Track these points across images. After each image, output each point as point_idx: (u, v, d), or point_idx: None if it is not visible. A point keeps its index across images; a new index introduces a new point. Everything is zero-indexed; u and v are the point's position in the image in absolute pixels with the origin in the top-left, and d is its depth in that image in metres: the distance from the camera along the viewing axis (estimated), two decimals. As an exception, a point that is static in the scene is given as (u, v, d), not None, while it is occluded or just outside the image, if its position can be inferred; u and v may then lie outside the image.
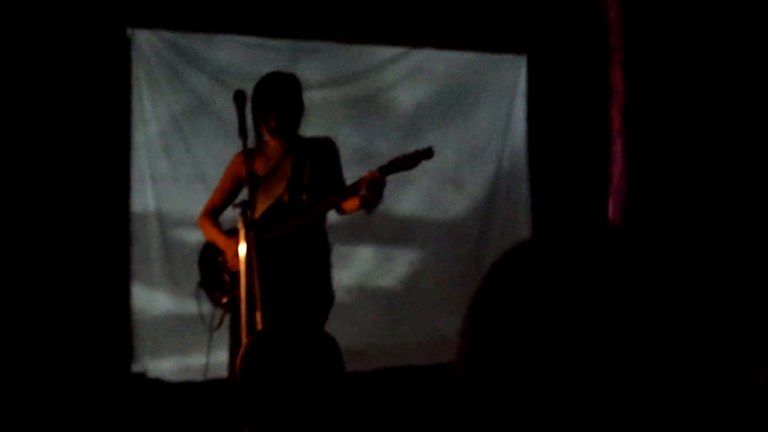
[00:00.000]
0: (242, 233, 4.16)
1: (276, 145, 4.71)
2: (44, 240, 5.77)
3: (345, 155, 4.89)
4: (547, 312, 0.81)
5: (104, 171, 5.96)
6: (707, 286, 0.82)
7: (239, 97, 4.31)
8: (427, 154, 4.50)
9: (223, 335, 4.64)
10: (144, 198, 6.05)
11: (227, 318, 4.65)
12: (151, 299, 6.00)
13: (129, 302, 5.96)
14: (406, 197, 6.38)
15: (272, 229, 4.61)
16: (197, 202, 5.55)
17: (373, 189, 4.45)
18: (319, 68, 6.27)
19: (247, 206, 4.17)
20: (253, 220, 4.16)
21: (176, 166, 6.12)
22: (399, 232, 6.51)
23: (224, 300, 4.62)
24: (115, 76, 5.96)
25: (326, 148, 4.77)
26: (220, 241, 4.72)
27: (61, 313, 5.77)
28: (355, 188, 4.52)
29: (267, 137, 4.71)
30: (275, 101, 4.61)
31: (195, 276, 4.79)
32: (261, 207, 4.67)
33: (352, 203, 4.56)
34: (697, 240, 5.47)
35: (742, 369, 0.80)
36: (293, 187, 4.68)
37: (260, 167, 4.69)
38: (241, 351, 2.51)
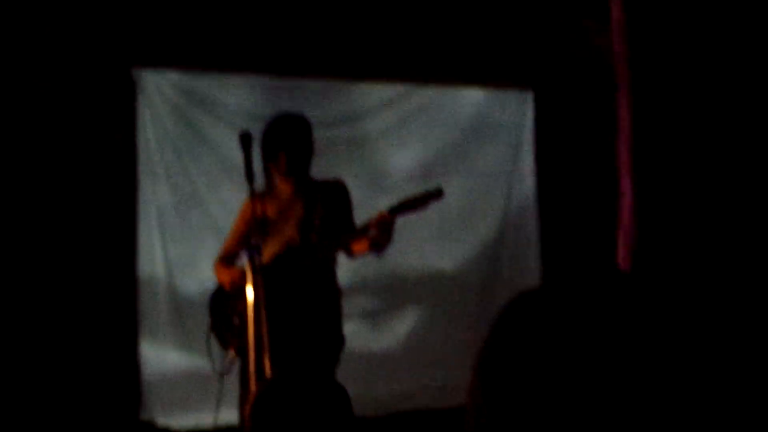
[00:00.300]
0: (250, 277, 4.19)
1: (286, 188, 4.73)
2: (50, 292, 5.73)
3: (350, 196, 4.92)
4: (555, 365, 0.81)
5: (110, 218, 5.95)
6: (721, 337, 0.82)
7: (245, 139, 4.35)
8: (437, 194, 4.49)
9: (234, 382, 4.65)
10: (151, 246, 6.04)
11: (237, 363, 4.69)
12: (160, 353, 5.96)
13: (137, 354, 5.93)
14: (411, 238, 6.37)
15: (282, 272, 4.66)
16: (206, 248, 5.60)
17: (382, 230, 4.45)
18: (325, 108, 6.29)
19: (254, 250, 4.20)
20: (261, 264, 4.20)
21: (184, 211, 6.12)
22: (405, 275, 6.50)
23: (234, 344, 4.64)
24: (120, 117, 5.97)
25: (337, 190, 4.79)
26: (223, 273, 4.74)
27: (69, 367, 5.73)
28: (364, 230, 4.54)
29: (277, 179, 4.74)
30: (284, 143, 4.64)
31: (204, 327, 4.79)
32: (271, 249, 4.67)
33: (361, 245, 4.54)
34: (710, 283, 5.46)
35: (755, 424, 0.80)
36: (304, 230, 4.69)
37: (271, 210, 4.69)
38: (251, 399, 2.57)
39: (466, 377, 0.88)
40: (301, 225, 4.70)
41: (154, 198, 6.10)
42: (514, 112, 6.80)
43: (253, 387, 4.01)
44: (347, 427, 2.50)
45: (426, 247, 6.54)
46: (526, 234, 6.80)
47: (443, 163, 6.61)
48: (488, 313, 6.39)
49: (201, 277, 5.61)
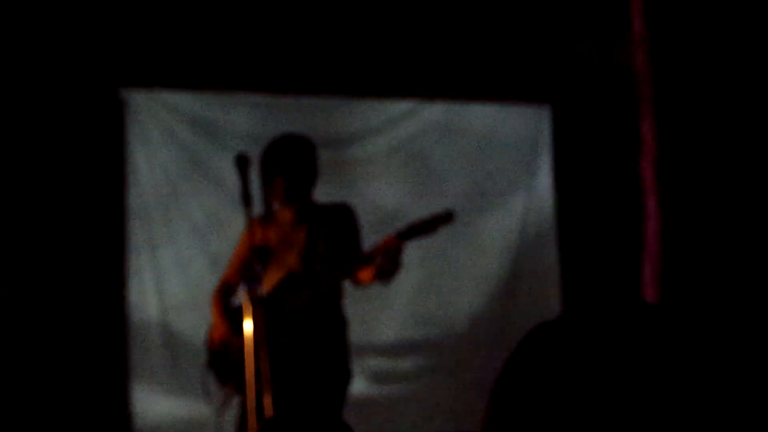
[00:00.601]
0: (248, 310, 4.14)
1: (287, 214, 4.70)
2: (33, 336, 5.64)
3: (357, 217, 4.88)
4: (573, 400, 0.81)
5: (97, 254, 5.87)
6: (755, 374, 0.81)
7: (241, 162, 4.31)
8: (447, 218, 4.50)
9: (231, 421, 4.60)
10: (143, 283, 5.97)
11: (236, 401, 4.61)
12: (153, 399, 5.90)
13: (128, 401, 5.86)
14: (419, 261, 6.36)
15: (282, 304, 4.59)
16: (203, 284, 5.52)
17: (389, 257, 4.44)
18: (328, 126, 6.26)
19: (253, 281, 4.16)
20: (260, 296, 4.15)
21: (179, 244, 6.06)
22: (415, 301, 6.46)
23: (233, 381, 4.59)
24: (106, 143, 5.95)
25: (342, 216, 4.76)
26: (214, 318, 4.71)
27: (55, 416, 5.65)
28: (370, 257, 4.49)
29: (277, 205, 4.69)
30: (284, 167, 4.61)
31: (199, 368, 4.77)
32: (273, 278, 4.64)
33: (367, 274, 4.53)
34: (742, 313, 5.40)
35: None
36: (307, 259, 4.66)
37: (272, 238, 4.66)
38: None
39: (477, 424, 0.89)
40: (304, 254, 4.66)
41: (146, 231, 6.03)
42: (531, 128, 6.76)
43: (252, 427, 3.99)
44: None
45: (432, 273, 6.46)
46: (543, 263, 6.73)
47: (452, 185, 6.57)
48: (504, 344, 6.36)
49: (198, 315, 5.51)
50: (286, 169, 4.61)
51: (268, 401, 4.06)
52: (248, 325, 4.13)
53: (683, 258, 5.49)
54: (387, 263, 4.46)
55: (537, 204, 6.75)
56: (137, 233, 6.01)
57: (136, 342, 5.93)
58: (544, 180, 6.77)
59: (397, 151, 6.51)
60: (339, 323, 4.72)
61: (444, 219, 4.51)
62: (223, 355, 4.68)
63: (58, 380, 5.73)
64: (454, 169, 6.59)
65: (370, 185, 6.40)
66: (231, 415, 4.65)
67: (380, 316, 6.35)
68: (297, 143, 4.70)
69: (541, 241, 6.74)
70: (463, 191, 6.55)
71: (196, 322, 5.54)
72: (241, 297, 4.40)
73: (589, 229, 6.64)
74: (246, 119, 6.17)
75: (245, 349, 4.18)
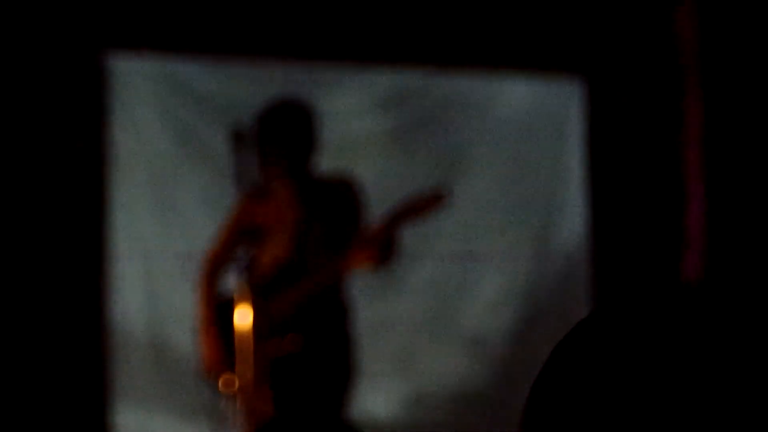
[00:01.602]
0: (240, 299, 4.16)
1: (283, 190, 4.69)
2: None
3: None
4: (618, 399, 0.81)
5: (73, 247, 5.79)
6: None
7: (236, 138, 4.33)
8: (439, 197, 4.51)
9: None
10: (127, 282, 5.94)
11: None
12: (139, 420, 5.88)
13: (108, 419, 5.84)
14: (432, 252, 6.36)
15: (272, 299, 4.57)
16: (194, 280, 5.50)
17: (380, 246, 4.45)
18: (335, 98, 6.25)
19: (244, 266, 4.18)
20: (254, 283, 4.16)
21: (166, 231, 6.05)
22: (426, 295, 6.46)
23: (231, 384, 4.55)
24: (85, 116, 5.90)
25: (343, 193, 4.76)
26: (208, 329, 4.63)
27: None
28: (362, 244, 4.50)
29: (272, 180, 4.69)
30: (281, 137, 4.61)
31: (191, 384, 4.76)
32: (263, 262, 4.64)
33: (359, 261, 4.52)
34: None
35: None
36: (300, 243, 4.66)
37: (263, 216, 4.67)
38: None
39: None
40: (296, 239, 4.63)
41: (130, 219, 5.99)
42: (559, 107, 6.74)
43: (249, 428, 4.01)
44: None
45: (448, 275, 6.47)
46: (572, 256, 6.74)
47: (470, 170, 6.56)
48: (527, 348, 6.39)
49: (192, 319, 5.48)
50: (282, 141, 4.61)
51: (266, 400, 4.08)
52: (241, 317, 4.15)
53: (728, 250, 5.49)
54: (381, 252, 4.46)
55: (565, 189, 6.75)
56: (120, 224, 5.96)
57: (119, 353, 5.88)
58: (573, 163, 6.75)
59: (405, 130, 6.51)
60: (339, 312, 4.72)
61: (435, 199, 4.55)
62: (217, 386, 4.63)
63: (29, 397, 5.63)
64: (470, 153, 6.58)
65: (374, 166, 6.41)
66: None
67: None
68: (295, 111, 4.70)
69: (570, 231, 6.74)
70: (481, 176, 6.55)
71: (191, 328, 5.52)
72: (231, 282, 4.43)
73: (624, 218, 6.63)
74: (241, 90, 6.13)
75: (239, 344, 4.19)
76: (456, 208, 5.84)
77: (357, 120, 6.36)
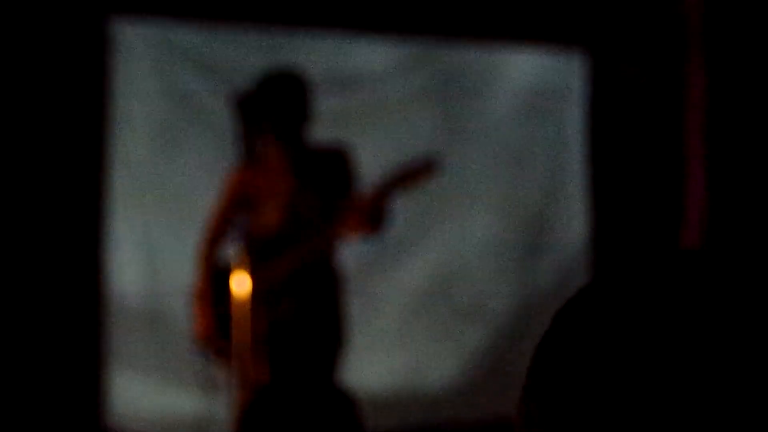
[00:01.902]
0: (237, 268, 4.19)
1: (276, 158, 4.70)
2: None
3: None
4: (624, 363, 0.80)
5: (72, 212, 5.82)
6: None
7: (238, 102, 4.34)
8: (430, 166, 4.52)
9: None
10: (126, 249, 5.96)
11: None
12: (134, 386, 5.91)
13: (102, 389, 5.87)
14: (425, 230, 6.38)
15: (266, 267, 4.60)
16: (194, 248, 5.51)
17: (371, 215, 4.47)
18: (337, 65, 6.27)
19: (243, 233, 4.21)
20: (250, 250, 4.20)
21: (166, 198, 6.06)
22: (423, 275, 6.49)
23: (223, 353, 4.59)
24: (88, 81, 5.90)
25: (336, 162, 4.77)
26: (201, 301, 4.67)
27: (19, 408, 5.66)
28: (353, 212, 4.52)
29: (265, 148, 4.70)
30: (274, 107, 4.62)
31: (188, 353, 4.79)
32: (257, 230, 4.67)
33: (351, 229, 4.55)
34: None
35: None
36: (293, 211, 4.69)
37: (256, 184, 4.69)
38: (240, 412, 2.51)
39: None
40: (290, 206, 4.67)
41: (131, 188, 6.00)
42: (560, 80, 6.74)
43: (244, 395, 4.03)
44: None
45: (440, 242, 6.48)
46: (570, 232, 6.76)
47: (470, 140, 6.56)
48: (522, 321, 6.41)
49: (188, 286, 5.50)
50: (277, 109, 4.62)
51: (261, 368, 4.13)
52: (240, 283, 4.18)
53: (727, 230, 5.49)
54: (371, 221, 4.49)
55: (565, 164, 6.76)
56: (121, 191, 5.98)
57: (117, 322, 5.91)
58: (573, 138, 6.76)
59: (412, 99, 6.50)
60: (331, 281, 4.74)
61: (425, 167, 4.54)
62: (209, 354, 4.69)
63: (26, 363, 5.66)
64: (470, 121, 6.58)
65: (381, 136, 6.39)
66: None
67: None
68: (290, 80, 4.69)
69: (569, 207, 6.76)
70: (479, 151, 6.55)
71: (187, 299, 5.54)
72: (230, 252, 4.46)
73: (624, 194, 6.64)
74: (250, 57, 6.12)
75: (235, 312, 4.22)
76: (454, 178, 5.86)
77: (355, 90, 6.36)
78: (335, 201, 4.65)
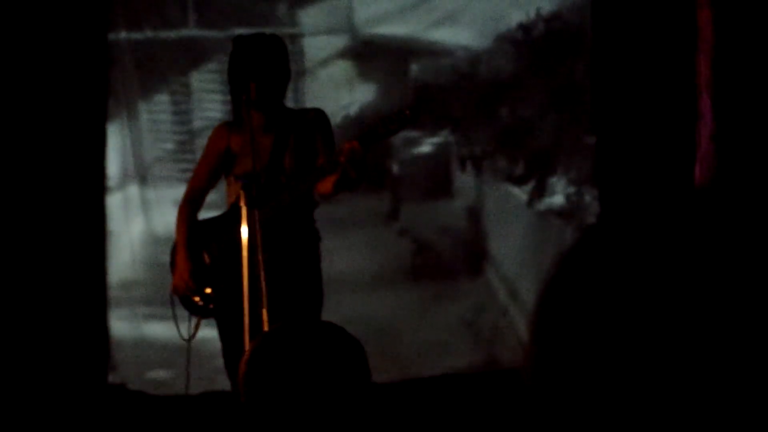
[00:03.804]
0: (245, 213, 4.25)
1: (255, 119, 4.78)
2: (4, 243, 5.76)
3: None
4: (628, 302, 0.81)
5: (74, 151, 5.92)
6: None
7: (240, 43, 4.44)
8: (410, 115, 4.58)
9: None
10: (125, 187, 6.12)
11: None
12: (133, 306, 6.07)
13: (106, 308, 5.98)
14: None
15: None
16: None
17: (353, 163, 4.50)
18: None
19: (249, 181, 4.29)
20: (257, 197, 4.26)
21: (161, 139, 6.22)
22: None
23: (203, 303, 4.72)
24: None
25: (314, 123, 4.87)
26: (179, 250, 4.84)
27: (28, 324, 5.79)
28: (335, 163, 4.58)
29: (245, 109, 4.78)
30: (254, 69, 4.69)
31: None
32: (234, 189, 4.77)
33: (326, 184, 4.63)
34: None
35: None
36: (271, 170, 4.78)
37: (236, 143, 4.81)
38: (245, 356, 2.51)
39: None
40: (269, 164, 4.78)
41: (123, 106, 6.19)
42: (569, 15, 6.68)
43: (245, 342, 4.08)
44: (363, 387, 2.42)
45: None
46: (577, 169, 6.76)
47: (468, 77, 6.60)
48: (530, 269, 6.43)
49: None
50: (259, 72, 4.68)
51: (265, 315, 4.21)
52: (244, 231, 4.25)
53: (738, 163, 5.48)
54: (351, 170, 4.54)
55: (570, 105, 6.73)
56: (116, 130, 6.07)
57: (115, 249, 6.09)
58: (581, 73, 6.72)
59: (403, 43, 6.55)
60: (313, 238, 4.89)
61: (406, 117, 4.59)
62: (197, 273, 4.86)
63: (31, 288, 5.80)
64: (467, 63, 6.59)
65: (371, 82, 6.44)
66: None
67: None
68: (270, 43, 4.78)
69: (576, 147, 6.74)
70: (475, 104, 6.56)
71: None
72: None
73: (632, 134, 6.61)
74: None
75: (242, 257, 4.30)
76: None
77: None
78: (312, 160, 4.77)
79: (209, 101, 6.30)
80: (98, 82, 6.03)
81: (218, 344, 4.92)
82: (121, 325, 6.09)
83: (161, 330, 5.85)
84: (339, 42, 6.49)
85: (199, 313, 4.81)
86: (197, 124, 6.29)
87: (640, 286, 0.81)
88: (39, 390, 5.73)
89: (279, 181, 4.76)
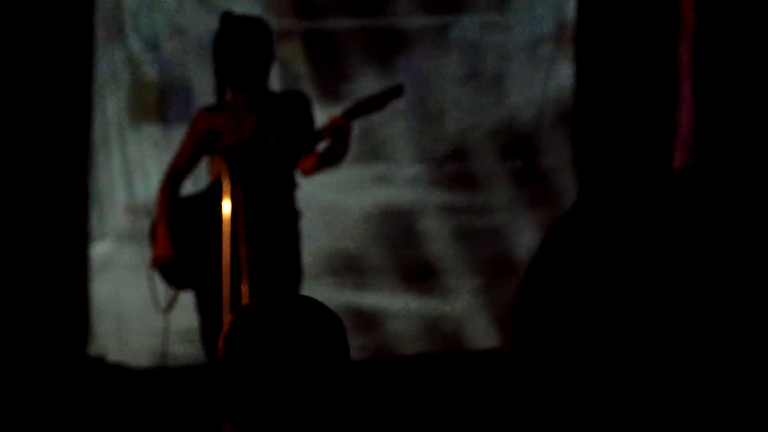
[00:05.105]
0: (227, 187, 4.26)
1: (239, 100, 4.85)
2: None
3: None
4: (611, 284, 0.80)
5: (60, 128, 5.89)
6: None
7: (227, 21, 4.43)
8: (397, 91, 4.62)
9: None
10: (108, 159, 6.07)
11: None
12: (113, 278, 6.08)
13: (85, 279, 5.97)
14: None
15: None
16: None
17: (337, 139, 4.55)
18: None
19: (233, 155, 4.30)
20: (240, 172, 4.27)
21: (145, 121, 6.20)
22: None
23: (176, 286, 4.75)
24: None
25: (296, 105, 4.91)
26: (160, 223, 4.88)
27: (6, 294, 5.76)
28: (319, 135, 4.61)
29: (229, 91, 4.89)
30: (240, 51, 4.75)
31: None
32: (216, 166, 4.83)
33: (311, 159, 4.65)
34: None
35: None
36: (254, 146, 4.83)
37: (220, 123, 4.84)
38: (225, 329, 2.50)
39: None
40: (251, 145, 4.81)
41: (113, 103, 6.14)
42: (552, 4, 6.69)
43: (225, 316, 4.09)
44: (343, 362, 2.41)
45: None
46: (557, 155, 6.77)
47: (460, 65, 6.58)
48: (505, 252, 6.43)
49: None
50: (241, 54, 4.74)
51: (245, 290, 4.21)
52: (227, 205, 4.25)
53: (718, 146, 5.48)
54: (336, 145, 4.61)
55: (554, 89, 6.72)
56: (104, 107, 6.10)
57: (97, 215, 6.12)
58: (563, 62, 6.71)
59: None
60: (293, 216, 4.93)
61: (393, 93, 4.65)
62: (166, 268, 4.92)
63: (10, 256, 5.77)
64: (461, 51, 6.57)
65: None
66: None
67: None
68: (254, 26, 4.82)
69: (557, 133, 6.73)
70: (460, 82, 6.56)
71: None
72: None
73: (613, 119, 6.61)
74: None
75: (223, 231, 4.31)
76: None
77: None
78: (295, 140, 4.71)
79: None
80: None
81: (195, 318, 4.93)
82: (101, 295, 6.09)
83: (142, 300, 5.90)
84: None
85: (177, 286, 4.83)
86: None
87: (617, 272, 0.80)
88: (17, 362, 5.71)
89: (262, 156, 4.77)
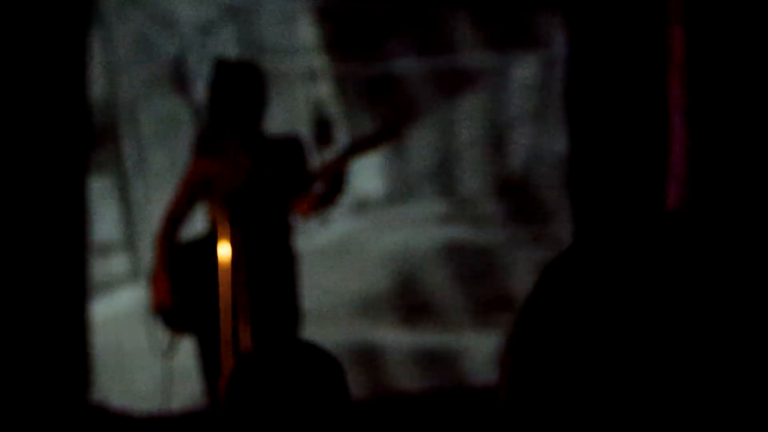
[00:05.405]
0: (225, 231, 4.26)
1: (234, 144, 4.85)
2: None
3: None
4: (607, 325, 0.80)
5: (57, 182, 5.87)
6: None
7: (222, 69, 4.48)
8: (393, 132, 4.63)
9: None
10: (107, 205, 6.08)
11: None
12: (115, 320, 6.01)
13: (85, 321, 5.95)
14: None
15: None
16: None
17: (333, 179, 4.55)
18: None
19: (232, 200, 4.31)
20: (241, 216, 4.29)
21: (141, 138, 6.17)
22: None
23: (176, 329, 4.75)
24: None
25: (290, 148, 4.93)
26: (159, 269, 4.87)
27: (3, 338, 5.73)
28: (313, 178, 4.62)
29: (224, 137, 4.87)
30: (233, 98, 4.78)
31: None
32: (214, 210, 4.84)
33: (306, 203, 4.66)
34: None
35: None
36: (250, 190, 4.83)
37: (215, 168, 4.87)
38: (226, 376, 2.50)
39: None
40: (248, 178, 4.83)
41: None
42: (539, 36, 6.69)
43: (226, 361, 4.08)
44: (344, 407, 2.41)
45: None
46: (549, 189, 6.73)
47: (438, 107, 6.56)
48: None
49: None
50: (235, 100, 4.77)
51: (247, 334, 4.20)
52: (224, 249, 4.25)
53: (711, 179, 5.48)
54: (331, 186, 4.63)
55: (544, 122, 6.72)
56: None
57: (98, 260, 6.05)
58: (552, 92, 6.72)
59: None
60: (291, 258, 4.94)
61: (389, 134, 4.68)
62: (166, 313, 4.92)
63: (7, 298, 5.74)
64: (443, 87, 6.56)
65: None
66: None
67: None
68: (247, 72, 4.87)
69: (547, 168, 6.74)
70: (454, 119, 6.55)
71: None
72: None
73: (605, 153, 6.60)
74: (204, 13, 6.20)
75: (221, 276, 4.30)
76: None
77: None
78: (290, 182, 4.75)
79: None
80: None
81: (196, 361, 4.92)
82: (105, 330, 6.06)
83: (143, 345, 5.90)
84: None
85: (178, 330, 4.83)
86: None
87: (610, 317, 0.81)
88: (19, 411, 5.68)
89: (258, 199, 4.78)
